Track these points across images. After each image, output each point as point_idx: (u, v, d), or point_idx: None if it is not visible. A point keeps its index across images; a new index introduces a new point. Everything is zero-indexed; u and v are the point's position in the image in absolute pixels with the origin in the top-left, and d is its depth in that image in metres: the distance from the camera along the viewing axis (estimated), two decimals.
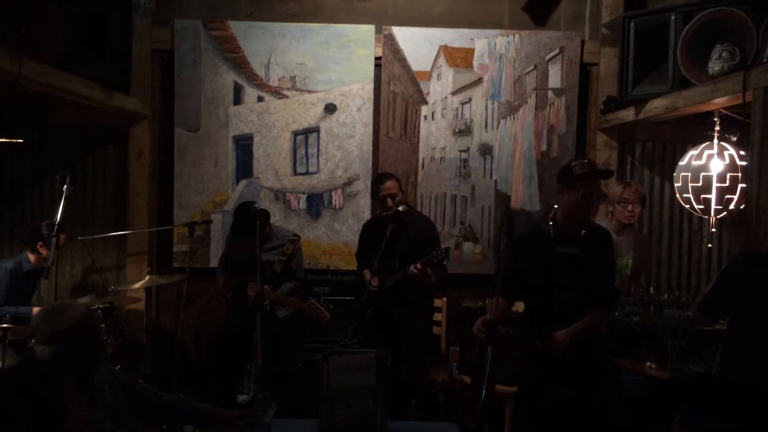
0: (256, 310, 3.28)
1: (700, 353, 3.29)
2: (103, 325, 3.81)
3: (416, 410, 3.94)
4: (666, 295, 3.74)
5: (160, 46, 4.61)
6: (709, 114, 3.50)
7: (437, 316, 4.34)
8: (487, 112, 4.65)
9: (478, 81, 4.63)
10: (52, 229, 3.90)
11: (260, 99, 4.64)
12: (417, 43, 4.60)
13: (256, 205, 3.80)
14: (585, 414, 2.85)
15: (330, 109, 4.64)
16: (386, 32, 4.59)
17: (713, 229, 3.53)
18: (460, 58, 4.62)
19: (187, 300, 4.03)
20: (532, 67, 4.62)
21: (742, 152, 3.32)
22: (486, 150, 4.66)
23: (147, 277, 4.30)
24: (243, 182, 4.68)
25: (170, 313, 4.70)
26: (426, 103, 4.66)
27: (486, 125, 4.66)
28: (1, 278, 3.93)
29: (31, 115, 4.47)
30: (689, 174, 3.41)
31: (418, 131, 4.68)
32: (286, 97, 4.64)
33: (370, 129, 4.64)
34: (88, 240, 4.35)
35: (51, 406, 1.92)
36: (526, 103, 4.63)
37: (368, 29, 4.59)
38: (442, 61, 4.62)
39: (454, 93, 4.65)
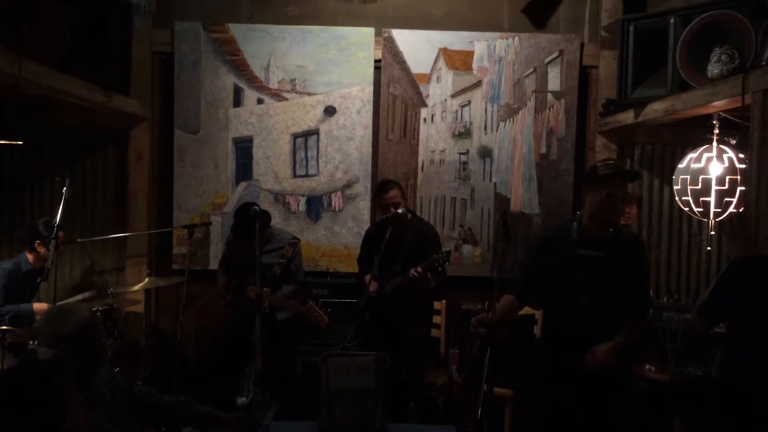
0: (255, 312, 3.28)
1: (699, 356, 3.30)
2: (102, 327, 3.80)
3: (415, 413, 3.94)
4: (665, 299, 3.76)
5: (160, 48, 4.61)
6: (709, 117, 3.50)
7: (436, 319, 4.33)
8: (486, 115, 4.66)
9: (478, 84, 4.64)
10: (49, 227, 3.90)
11: (260, 101, 4.65)
12: (417, 46, 4.61)
13: (256, 207, 3.80)
14: (591, 419, 2.81)
15: (330, 111, 4.65)
16: (386, 35, 4.59)
17: (712, 232, 3.53)
18: (459, 60, 4.62)
19: (186, 302, 4.02)
20: (532, 69, 4.62)
21: (741, 155, 3.33)
22: (485, 153, 4.66)
23: (146, 279, 4.29)
24: (242, 184, 4.68)
25: (169, 315, 4.70)
26: (425, 105, 4.66)
27: (485, 128, 4.66)
28: (0, 279, 3.93)
29: (31, 117, 4.47)
30: (688, 177, 3.41)
31: (418, 134, 4.68)
32: (286, 99, 4.64)
33: (370, 131, 4.65)
34: (88, 242, 4.35)
35: (51, 408, 1.92)
36: (526, 105, 4.64)
37: (368, 32, 4.60)
38: (441, 63, 4.63)
39: (453, 96, 4.65)
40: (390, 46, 4.60)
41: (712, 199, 3.35)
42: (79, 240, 4.27)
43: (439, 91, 4.65)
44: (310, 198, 4.69)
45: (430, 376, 4.11)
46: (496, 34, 4.61)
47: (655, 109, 3.73)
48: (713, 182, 3.34)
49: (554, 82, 4.61)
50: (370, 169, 4.65)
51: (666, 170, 4.54)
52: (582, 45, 4.60)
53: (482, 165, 4.66)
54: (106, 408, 2.23)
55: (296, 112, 4.65)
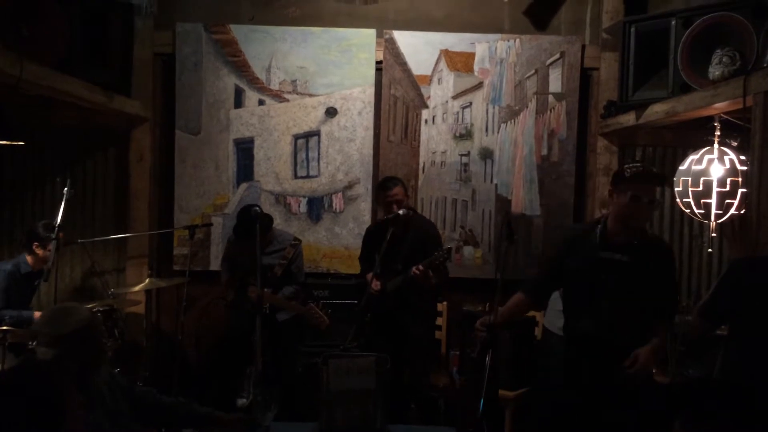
0: (256, 313, 3.28)
1: (699, 358, 3.29)
2: (102, 328, 3.80)
3: (416, 414, 3.94)
4: None
5: (161, 50, 4.62)
6: (710, 119, 3.50)
7: (438, 321, 4.33)
8: (487, 117, 4.66)
9: (479, 85, 4.64)
10: (48, 229, 3.90)
11: (261, 102, 4.65)
12: (418, 47, 4.61)
13: (257, 208, 3.80)
14: (609, 423, 2.76)
15: (331, 112, 4.65)
16: (387, 36, 4.60)
17: (713, 234, 3.53)
18: (460, 62, 4.63)
19: (187, 303, 4.03)
20: (533, 71, 4.62)
21: (742, 157, 3.32)
22: (486, 154, 4.66)
23: (147, 280, 4.29)
24: (243, 185, 4.68)
25: (170, 316, 4.70)
26: (427, 107, 4.67)
27: (487, 129, 4.66)
28: (0, 281, 3.92)
29: (32, 117, 4.47)
30: (689, 178, 3.41)
31: (419, 135, 4.68)
32: (287, 100, 4.65)
33: (371, 133, 4.65)
34: (89, 243, 4.35)
35: (51, 408, 1.92)
36: (527, 107, 4.64)
37: (369, 33, 4.60)
38: (442, 65, 4.63)
39: (454, 97, 4.65)
40: (391, 47, 4.60)
41: (713, 201, 3.34)
42: (79, 240, 4.27)
43: (440, 93, 4.66)
44: (311, 199, 4.69)
45: (432, 378, 4.11)
46: (498, 36, 4.61)
47: (656, 110, 3.73)
48: (714, 184, 3.34)
49: (555, 83, 4.61)
50: (371, 170, 4.65)
51: (667, 172, 4.52)
52: (583, 47, 4.60)
53: (483, 166, 4.66)
54: (106, 408, 2.23)
55: (297, 114, 4.65)
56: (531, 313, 3.99)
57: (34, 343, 2.14)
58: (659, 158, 4.63)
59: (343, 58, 4.60)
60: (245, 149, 4.67)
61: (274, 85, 4.64)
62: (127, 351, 4.14)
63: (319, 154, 4.67)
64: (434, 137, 4.68)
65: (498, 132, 4.65)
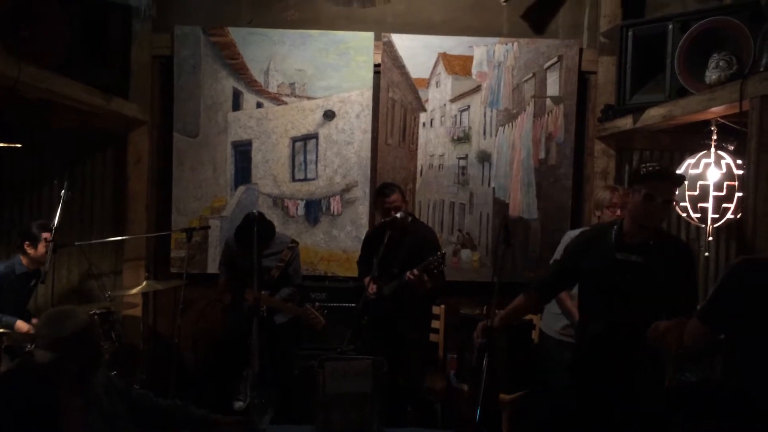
0: (253, 315, 3.28)
1: (696, 362, 3.29)
2: (100, 331, 3.79)
3: (413, 417, 3.93)
4: None
5: (159, 52, 4.62)
6: (707, 123, 3.52)
7: (435, 324, 4.33)
8: (485, 120, 4.66)
9: (477, 88, 4.65)
10: (40, 228, 3.89)
11: (259, 105, 4.66)
12: (416, 51, 4.62)
13: (255, 211, 3.81)
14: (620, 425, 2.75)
15: (329, 115, 4.65)
16: (385, 39, 4.60)
17: (710, 238, 3.54)
18: (458, 65, 4.63)
19: (184, 306, 4.02)
20: (531, 75, 4.63)
21: (738, 161, 3.34)
22: (484, 157, 4.67)
23: (144, 283, 4.28)
24: (241, 188, 4.68)
25: (167, 319, 4.69)
26: (424, 110, 4.67)
27: (484, 133, 4.67)
28: None
29: (30, 119, 4.47)
30: (686, 182, 3.42)
31: (417, 138, 4.69)
32: (285, 103, 4.65)
33: (369, 136, 4.65)
34: (86, 245, 4.34)
35: (49, 411, 1.92)
36: (525, 110, 4.65)
37: (367, 36, 4.61)
38: (440, 68, 4.64)
39: (452, 100, 4.66)
40: (389, 50, 4.61)
41: (709, 205, 3.36)
42: (77, 243, 4.26)
43: (438, 96, 4.66)
44: (309, 202, 4.69)
45: (428, 381, 4.11)
46: (496, 40, 4.62)
47: (654, 114, 3.74)
48: (711, 188, 3.35)
49: (553, 87, 4.62)
50: (369, 173, 4.66)
51: None
52: (581, 50, 4.61)
53: (481, 170, 4.67)
54: (103, 411, 2.22)
55: (295, 116, 4.66)
56: (528, 317, 3.99)
57: (32, 346, 2.15)
58: (652, 161, 4.63)
59: (341, 61, 4.61)
60: (243, 152, 4.67)
61: (272, 88, 4.64)
62: (124, 354, 4.13)
63: (317, 157, 4.67)
64: (432, 140, 4.68)
65: (496, 135, 4.66)
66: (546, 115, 4.63)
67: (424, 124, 4.68)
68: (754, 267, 2.49)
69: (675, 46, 3.50)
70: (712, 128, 3.46)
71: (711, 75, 3.19)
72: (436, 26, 4.69)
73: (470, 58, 4.63)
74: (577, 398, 2.89)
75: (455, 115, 4.67)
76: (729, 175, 3.34)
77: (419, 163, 4.69)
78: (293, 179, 4.69)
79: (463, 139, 4.68)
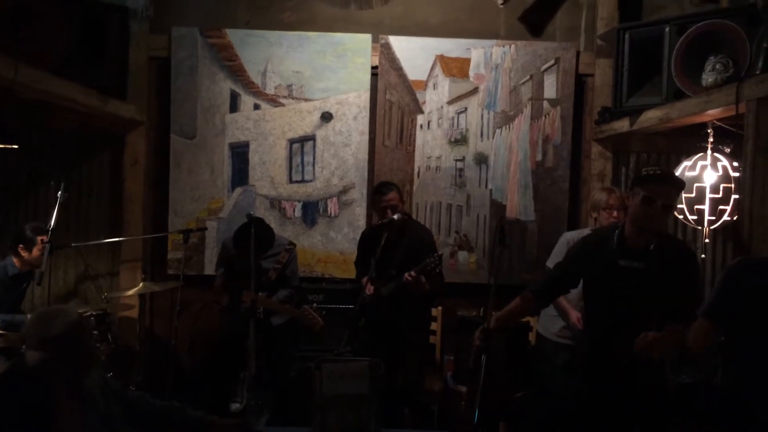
0: (250, 317, 3.27)
1: (692, 363, 3.29)
2: (96, 332, 3.78)
3: (410, 419, 3.93)
4: None
5: (157, 54, 4.61)
6: (703, 125, 3.52)
7: (432, 326, 4.33)
8: (482, 122, 4.67)
9: (474, 91, 4.66)
10: (35, 231, 3.88)
11: (256, 107, 4.65)
12: (413, 53, 4.62)
13: (252, 213, 3.80)
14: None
15: (326, 117, 4.65)
16: (383, 41, 4.61)
17: (707, 240, 3.55)
18: (456, 67, 4.64)
19: (181, 307, 4.01)
20: (528, 77, 4.64)
21: (735, 163, 3.35)
22: (481, 159, 4.67)
23: (141, 284, 4.29)
24: (238, 190, 4.68)
25: (164, 321, 4.69)
26: (422, 112, 4.67)
27: (481, 135, 4.67)
28: None
29: (27, 120, 4.46)
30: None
31: (414, 140, 4.69)
32: (283, 105, 4.65)
33: (366, 137, 4.65)
34: (82, 246, 4.33)
35: (41, 412, 1.91)
36: (522, 113, 4.65)
37: (365, 38, 4.61)
38: (438, 70, 4.64)
39: (450, 102, 4.66)
40: (387, 52, 4.61)
41: (706, 207, 3.36)
42: (73, 244, 4.26)
43: (435, 98, 4.67)
44: (306, 203, 4.69)
45: (426, 383, 4.10)
46: (493, 42, 4.63)
47: (650, 117, 3.75)
48: (707, 190, 3.36)
49: (550, 89, 4.62)
50: (366, 175, 4.66)
51: None
52: (578, 53, 4.62)
53: (478, 172, 4.67)
54: (99, 413, 2.22)
55: (293, 118, 4.66)
56: (525, 319, 3.99)
57: (24, 347, 2.13)
58: (653, 164, 4.65)
59: (338, 63, 4.61)
60: (240, 153, 4.67)
61: (270, 90, 4.64)
62: (120, 355, 4.13)
63: (314, 158, 4.67)
64: (429, 142, 4.69)
65: (493, 137, 4.66)
66: (543, 118, 4.64)
67: (421, 126, 4.69)
68: (751, 267, 2.49)
69: (672, 49, 3.51)
70: (709, 131, 3.47)
71: (707, 78, 3.20)
72: (433, 28, 4.69)
73: (467, 61, 4.64)
74: (578, 400, 2.89)
75: (452, 117, 4.67)
76: (725, 178, 3.35)
77: (416, 164, 4.70)
78: (290, 181, 4.69)
79: (460, 141, 4.68)
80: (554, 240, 3.94)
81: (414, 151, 4.69)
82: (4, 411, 2.00)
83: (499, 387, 3.73)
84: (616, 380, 2.70)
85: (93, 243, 4.41)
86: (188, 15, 4.67)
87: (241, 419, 2.49)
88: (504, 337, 3.71)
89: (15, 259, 3.97)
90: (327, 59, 4.61)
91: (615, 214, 3.67)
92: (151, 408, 2.43)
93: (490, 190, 4.67)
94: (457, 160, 4.68)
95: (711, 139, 3.46)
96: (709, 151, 3.44)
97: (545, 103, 4.63)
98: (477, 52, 4.63)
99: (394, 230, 3.66)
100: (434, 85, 4.66)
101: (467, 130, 4.67)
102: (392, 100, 4.66)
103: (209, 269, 4.54)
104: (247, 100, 4.65)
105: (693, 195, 3.39)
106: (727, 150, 3.47)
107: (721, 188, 3.34)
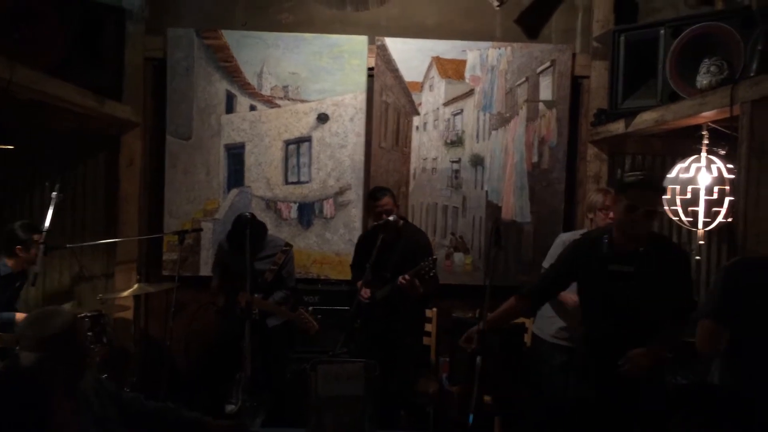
0: (245, 319, 3.27)
1: (688, 365, 3.30)
2: (90, 334, 3.77)
3: (405, 421, 3.93)
4: None
5: (153, 54, 4.61)
6: (698, 127, 3.54)
7: (427, 327, 4.33)
8: (478, 124, 4.68)
9: (470, 92, 4.66)
10: (27, 230, 3.85)
11: (252, 108, 4.65)
12: (409, 54, 4.63)
13: (248, 214, 3.80)
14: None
15: (322, 118, 4.65)
16: (379, 43, 4.61)
17: (701, 242, 3.55)
18: (452, 69, 4.65)
19: (176, 308, 4.00)
20: (524, 79, 4.65)
21: (729, 165, 3.36)
22: (477, 161, 4.68)
23: (136, 285, 4.27)
24: (234, 191, 4.67)
25: (159, 322, 4.68)
26: (418, 113, 4.68)
27: (477, 136, 4.68)
28: None
29: (23, 121, 4.45)
30: (677, 186, 3.44)
31: (410, 142, 4.70)
32: (279, 106, 4.65)
33: (362, 139, 4.65)
34: (77, 247, 4.32)
35: (36, 413, 1.90)
36: (518, 114, 4.66)
37: (361, 40, 4.62)
38: (434, 72, 4.65)
39: (446, 104, 4.67)
40: (383, 54, 4.61)
41: (701, 209, 3.38)
42: (68, 245, 4.24)
43: (431, 100, 4.67)
44: (302, 205, 4.69)
45: (421, 384, 4.10)
46: (489, 44, 4.64)
47: (645, 119, 3.77)
48: (702, 192, 3.37)
49: (546, 91, 4.64)
50: (362, 176, 4.66)
51: None
52: (574, 55, 4.64)
53: (474, 173, 4.68)
54: (94, 414, 2.21)
55: (289, 119, 4.66)
56: (521, 320, 4.00)
57: (18, 348, 2.12)
58: (648, 166, 4.66)
59: (334, 65, 4.61)
60: (236, 154, 4.67)
61: (266, 91, 4.64)
62: (115, 357, 4.11)
63: (310, 160, 4.67)
64: (425, 144, 4.69)
65: (489, 139, 4.67)
66: (539, 119, 4.65)
67: (417, 128, 4.69)
68: (749, 266, 2.50)
69: (667, 51, 3.53)
70: (704, 133, 3.48)
71: (702, 80, 3.22)
72: (429, 30, 4.70)
73: (463, 62, 4.65)
74: (577, 401, 2.90)
75: (448, 119, 4.68)
76: (720, 180, 3.36)
77: (412, 166, 4.70)
78: (286, 182, 4.69)
79: (456, 142, 4.69)
80: (550, 241, 3.94)
81: (410, 152, 4.70)
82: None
83: (495, 388, 3.75)
84: (615, 380, 2.71)
85: (88, 244, 4.40)
86: (184, 16, 4.67)
87: (236, 420, 2.48)
88: (498, 339, 3.72)
89: (7, 259, 3.94)
90: (323, 61, 4.62)
91: (611, 214, 3.68)
92: (146, 409, 2.43)
93: (486, 191, 4.68)
94: (453, 162, 4.69)
95: (706, 141, 3.48)
96: (703, 153, 3.46)
97: (541, 105, 4.64)
98: (473, 53, 4.64)
99: (390, 232, 3.67)
100: (430, 87, 4.66)
101: (463, 131, 4.68)
102: (388, 102, 4.67)
103: (204, 270, 4.54)
104: (243, 101, 4.65)
105: (688, 197, 3.40)
106: (722, 152, 3.49)
107: (715, 190, 3.35)
